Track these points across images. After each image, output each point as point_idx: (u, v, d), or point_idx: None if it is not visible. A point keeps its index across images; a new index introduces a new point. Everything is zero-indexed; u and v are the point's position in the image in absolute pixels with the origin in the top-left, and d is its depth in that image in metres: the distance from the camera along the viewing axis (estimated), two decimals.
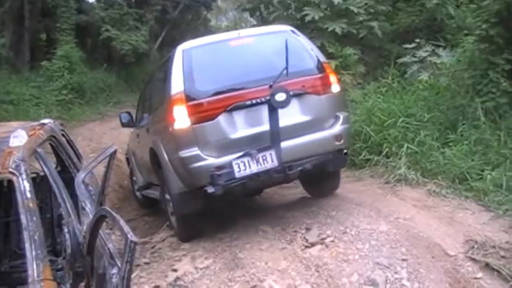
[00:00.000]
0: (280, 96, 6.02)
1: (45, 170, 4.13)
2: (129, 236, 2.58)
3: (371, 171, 8.43)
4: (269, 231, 6.50)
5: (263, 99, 6.18)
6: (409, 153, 7.98)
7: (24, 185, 3.43)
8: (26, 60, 18.82)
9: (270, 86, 6.17)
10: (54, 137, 5.03)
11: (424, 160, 7.78)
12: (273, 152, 6.09)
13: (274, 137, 6.11)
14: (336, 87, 6.80)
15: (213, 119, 6.18)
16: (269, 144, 6.12)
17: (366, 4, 11.73)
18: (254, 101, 6.25)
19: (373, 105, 9.45)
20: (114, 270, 3.39)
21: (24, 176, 3.49)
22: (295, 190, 8.23)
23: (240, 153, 6.06)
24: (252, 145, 6.13)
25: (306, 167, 6.29)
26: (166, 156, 6.64)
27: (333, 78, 6.83)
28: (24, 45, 18.81)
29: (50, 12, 19.61)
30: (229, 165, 6.01)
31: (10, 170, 3.47)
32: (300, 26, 11.31)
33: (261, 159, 6.05)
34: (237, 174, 6.01)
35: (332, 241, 5.89)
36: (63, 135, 5.55)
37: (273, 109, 6.06)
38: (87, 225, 3.70)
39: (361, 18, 11.56)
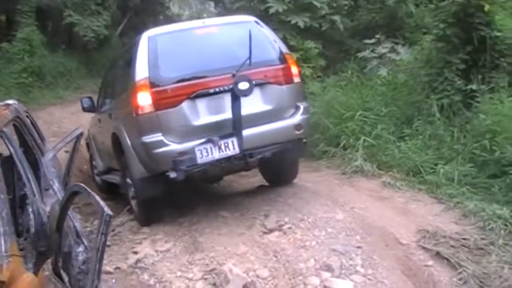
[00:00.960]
0: (244, 85, 6.12)
1: (11, 149, 4.15)
2: (105, 209, 2.69)
3: (328, 162, 8.63)
4: (228, 216, 6.65)
5: (226, 88, 6.32)
6: (365, 146, 8.22)
7: None
8: None
9: (233, 75, 6.26)
10: (19, 117, 5.04)
11: (380, 153, 8.04)
12: (234, 140, 6.22)
13: (237, 124, 6.23)
14: (297, 78, 6.99)
15: (176, 105, 6.31)
16: (231, 132, 6.25)
17: None
18: (217, 89, 6.39)
19: (332, 98, 9.64)
20: (80, 249, 3.48)
21: None
22: (253, 179, 8.36)
23: (203, 140, 6.19)
24: (215, 132, 6.26)
25: (266, 155, 6.50)
26: (129, 141, 6.69)
27: (294, 69, 7.00)
28: None
29: None
30: (191, 151, 6.13)
31: None
32: (263, 17, 11.38)
33: (223, 146, 6.18)
34: (199, 160, 6.14)
35: (289, 228, 6.06)
36: (27, 116, 5.56)
37: (236, 97, 6.18)
38: (56, 202, 3.77)
39: (323, 12, 11.72)
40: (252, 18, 7.42)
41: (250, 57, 6.23)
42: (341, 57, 12.15)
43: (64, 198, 3.26)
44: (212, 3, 27.98)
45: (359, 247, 5.59)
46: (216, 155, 6.19)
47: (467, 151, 7.36)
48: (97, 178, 9.56)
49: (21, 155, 4.32)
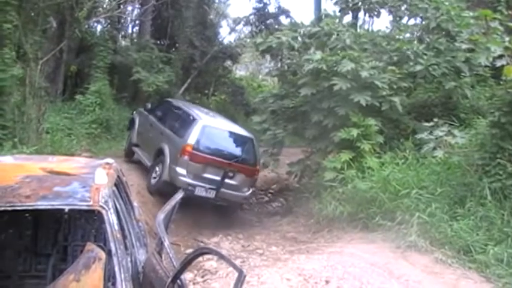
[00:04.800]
0: (231, 171, 12.44)
1: (117, 205, 4.78)
2: (242, 270, 3.27)
3: (383, 235, 9.03)
4: (292, 279, 7.19)
5: (223, 167, 12.36)
6: (420, 223, 8.59)
7: (112, 219, 3.99)
8: (59, 91, 19.52)
9: (229, 163, 12.36)
10: (118, 176, 5.74)
11: (433, 230, 8.43)
12: (215, 192, 12.29)
13: (220, 185, 12.32)
14: (256, 176, 13.27)
15: (199, 163, 12.25)
16: (215, 187, 12.28)
17: (389, 80, 12.25)
18: (219, 166, 12.35)
19: (389, 175, 10.07)
20: None
21: (112, 211, 4.04)
22: (312, 244, 8.90)
23: (202, 184, 12.15)
24: (208, 183, 12.25)
25: (223, 203, 12.74)
26: (168, 160, 12.49)
27: (257, 171, 13.24)
28: (59, 76, 19.57)
29: (87, 49, 20.55)
30: (194, 187, 12.04)
31: (100, 204, 4.00)
32: (327, 93, 12.07)
33: (209, 192, 12.25)
34: (196, 192, 12.07)
35: None
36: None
37: (226, 173, 12.35)
38: (151, 255, 4.36)
39: (384, 93, 12.04)
40: (252, 136, 13.41)
41: (241, 157, 12.72)
42: (397, 134, 12.53)
43: (191, 256, 3.80)
44: (266, 63, 29.10)
45: None
46: (203, 194, 12.23)
47: None
48: (126, 145, 15.86)
49: (125, 210, 4.97)
